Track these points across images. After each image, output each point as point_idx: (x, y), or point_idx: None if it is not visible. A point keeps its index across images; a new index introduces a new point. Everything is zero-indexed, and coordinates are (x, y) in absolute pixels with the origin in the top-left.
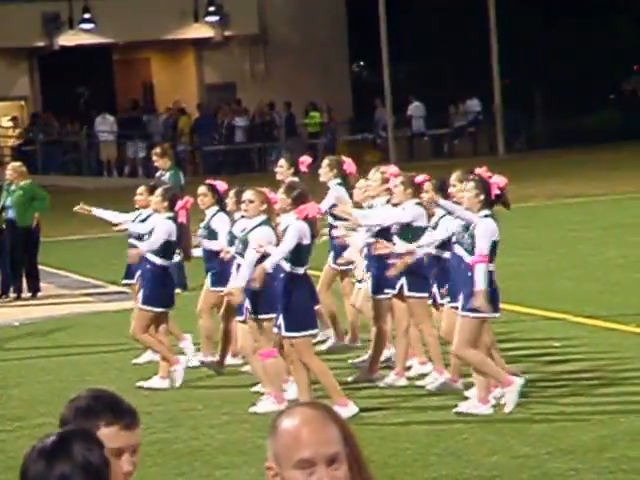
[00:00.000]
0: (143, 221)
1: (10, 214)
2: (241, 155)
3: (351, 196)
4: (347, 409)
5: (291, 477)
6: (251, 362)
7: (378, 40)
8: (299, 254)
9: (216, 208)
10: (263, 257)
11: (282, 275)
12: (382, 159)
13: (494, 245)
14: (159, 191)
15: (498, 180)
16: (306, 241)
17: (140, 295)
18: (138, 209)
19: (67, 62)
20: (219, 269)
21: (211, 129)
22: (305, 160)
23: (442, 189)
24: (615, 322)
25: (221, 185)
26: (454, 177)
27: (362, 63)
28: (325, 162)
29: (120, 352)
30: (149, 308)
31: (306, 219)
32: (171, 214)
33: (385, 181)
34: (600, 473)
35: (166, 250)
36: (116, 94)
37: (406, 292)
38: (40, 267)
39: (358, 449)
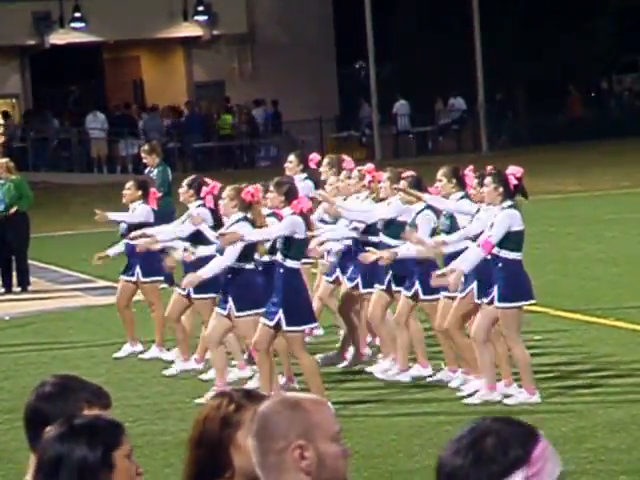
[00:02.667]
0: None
1: (0, 208)
2: (229, 152)
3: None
4: None
5: (328, 449)
6: (213, 352)
7: (364, 39)
8: (294, 248)
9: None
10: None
11: (280, 270)
12: (368, 157)
13: (519, 234)
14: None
15: (514, 170)
16: (300, 235)
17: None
18: (126, 204)
19: (58, 60)
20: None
21: (200, 126)
22: (314, 157)
23: (417, 186)
24: (594, 316)
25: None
26: (440, 173)
27: (363, 63)
28: (325, 160)
29: (109, 346)
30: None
31: (300, 213)
32: (200, 201)
33: (362, 178)
34: (579, 464)
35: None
36: (106, 92)
37: (421, 296)
38: (30, 262)
39: None
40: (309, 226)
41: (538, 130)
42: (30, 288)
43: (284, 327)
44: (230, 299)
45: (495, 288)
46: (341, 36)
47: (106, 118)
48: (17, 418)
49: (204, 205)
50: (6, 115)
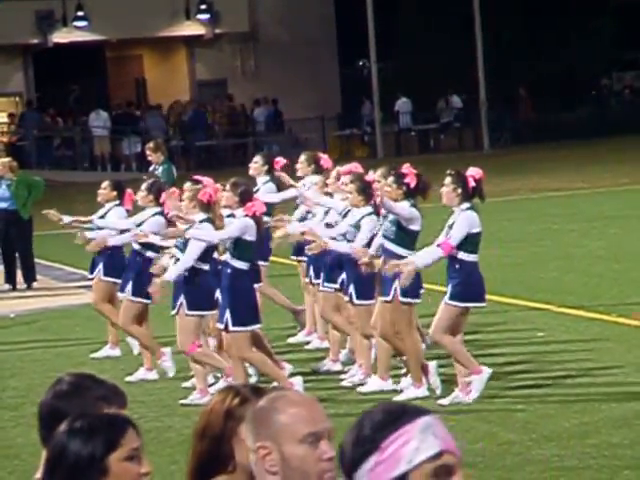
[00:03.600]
0: (102, 217)
1: (2, 206)
2: (232, 150)
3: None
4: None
5: (293, 452)
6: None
7: (366, 38)
8: (243, 249)
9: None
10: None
11: (228, 271)
12: (370, 155)
13: (476, 236)
14: (144, 186)
15: (473, 172)
16: (250, 237)
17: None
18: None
19: (61, 59)
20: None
21: (203, 124)
22: (280, 160)
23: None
24: (597, 312)
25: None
26: (378, 173)
27: (366, 61)
28: (302, 157)
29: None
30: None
31: (253, 216)
32: (159, 209)
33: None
34: (582, 459)
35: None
36: (109, 90)
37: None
38: (35, 260)
39: None
40: (260, 229)
41: (539, 128)
42: (35, 286)
43: (230, 327)
44: (182, 298)
45: (449, 287)
46: (343, 35)
47: (109, 116)
48: (23, 415)
49: (161, 213)
50: (12, 116)
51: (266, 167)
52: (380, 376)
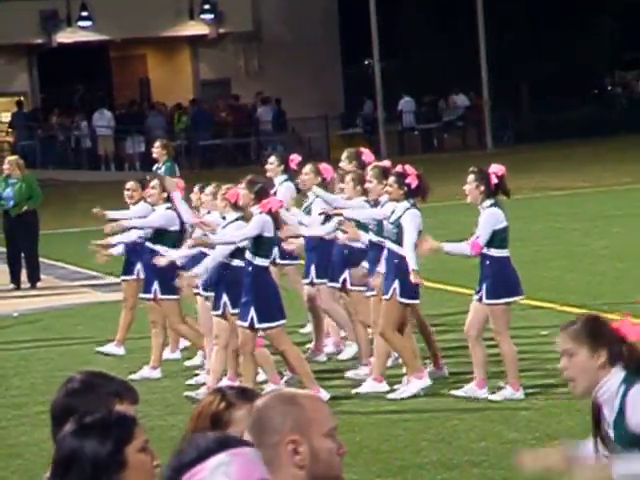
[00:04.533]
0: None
1: (10, 205)
2: (235, 149)
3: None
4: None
5: (322, 445)
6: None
7: (369, 37)
8: (263, 246)
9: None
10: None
11: (249, 269)
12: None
13: (503, 231)
14: (154, 183)
15: (496, 169)
16: (269, 234)
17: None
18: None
19: (65, 59)
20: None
21: (207, 124)
22: (295, 158)
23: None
24: (600, 311)
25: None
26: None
27: (371, 61)
28: (344, 154)
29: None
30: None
31: (269, 212)
32: (169, 204)
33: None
34: None
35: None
36: (113, 90)
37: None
38: (40, 259)
39: None
40: (278, 225)
41: (542, 127)
42: (39, 285)
43: (257, 325)
44: (224, 296)
45: (484, 285)
46: (346, 34)
47: (113, 116)
48: (26, 414)
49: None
50: (20, 103)
51: (282, 167)
52: (374, 378)
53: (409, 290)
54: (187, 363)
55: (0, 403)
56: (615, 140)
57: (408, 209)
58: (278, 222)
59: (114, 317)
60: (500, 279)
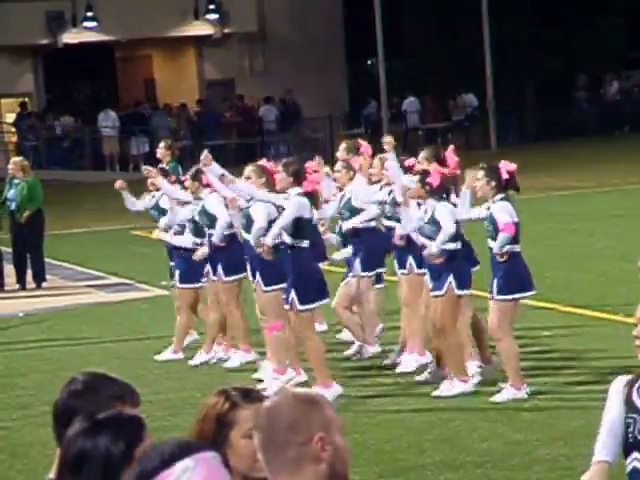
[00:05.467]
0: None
1: (13, 206)
2: (241, 149)
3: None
4: (329, 391)
5: (341, 442)
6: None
7: (374, 37)
8: (301, 228)
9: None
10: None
11: (288, 251)
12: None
13: (516, 226)
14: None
15: (506, 165)
16: (308, 214)
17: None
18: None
19: (70, 59)
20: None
21: (214, 124)
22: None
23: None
24: (603, 312)
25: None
26: (421, 156)
27: (374, 61)
28: (342, 145)
29: (122, 342)
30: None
31: (307, 194)
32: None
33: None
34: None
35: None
36: (118, 91)
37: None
38: (45, 259)
39: None
40: (316, 205)
41: (546, 127)
42: (44, 285)
43: (297, 306)
44: (258, 275)
45: (495, 281)
46: (351, 34)
47: (117, 116)
48: (31, 414)
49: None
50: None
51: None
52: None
53: (463, 282)
54: (190, 362)
55: (5, 403)
56: (620, 139)
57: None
58: (317, 201)
59: (119, 317)
60: (512, 275)
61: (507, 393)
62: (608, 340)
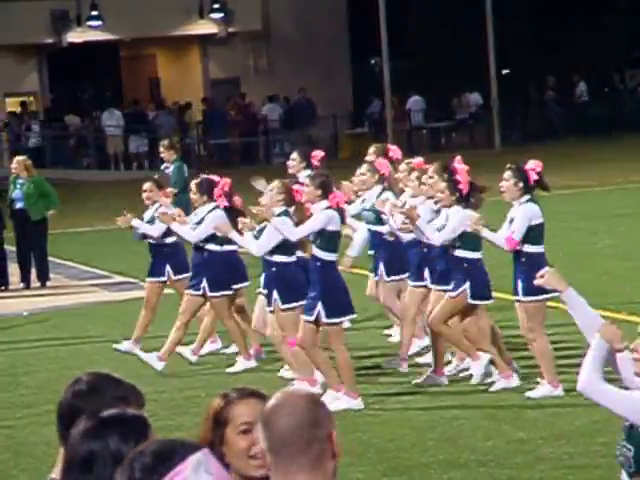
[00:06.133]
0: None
1: (18, 205)
2: (245, 148)
3: None
4: (353, 402)
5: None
6: (281, 350)
7: (378, 36)
8: (329, 241)
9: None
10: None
11: (317, 264)
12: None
13: (539, 227)
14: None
15: (533, 165)
16: (335, 227)
17: None
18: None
19: (75, 58)
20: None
21: (219, 123)
22: (317, 154)
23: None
24: (607, 310)
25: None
26: (431, 170)
27: (378, 59)
28: (371, 150)
29: (126, 341)
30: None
31: (336, 207)
32: (214, 204)
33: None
34: (592, 457)
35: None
36: (123, 90)
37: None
38: (49, 258)
39: None
40: (344, 219)
41: (550, 126)
42: (49, 284)
43: (323, 319)
44: (275, 293)
45: (519, 282)
46: (355, 32)
47: (122, 115)
48: (36, 413)
49: (218, 207)
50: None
51: (304, 163)
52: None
53: (479, 291)
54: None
55: (9, 402)
56: (625, 138)
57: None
58: (344, 216)
59: (123, 316)
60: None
61: (543, 390)
62: None
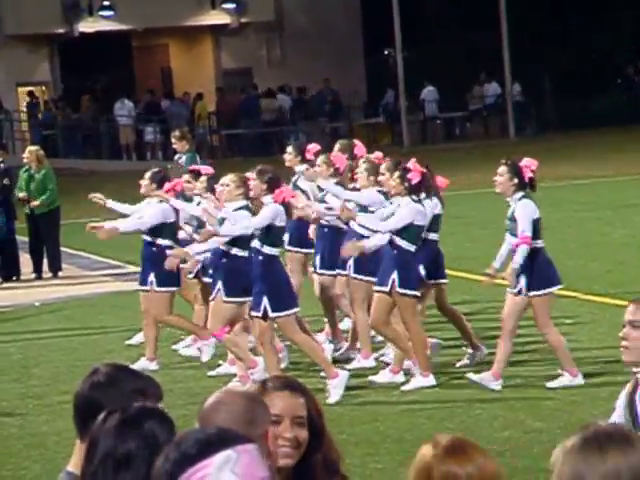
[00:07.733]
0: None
1: (21, 195)
2: (260, 139)
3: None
4: (338, 379)
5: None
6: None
7: (392, 26)
8: (273, 235)
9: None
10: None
11: (260, 258)
12: (396, 143)
13: (538, 222)
14: (147, 175)
15: (528, 163)
16: (281, 223)
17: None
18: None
19: (87, 48)
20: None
21: (253, 111)
22: (312, 147)
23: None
24: (623, 299)
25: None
26: (384, 166)
27: (391, 51)
28: (337, 146)
29: (139, 331)
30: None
31: (282, 202)
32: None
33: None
34: None
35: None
36: (135, 80)
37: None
38: (61, 248)
39: None
40: (290, 214)
41: (564, 116)
42: (60, 274)
43: (270, 314)
44: (220, 284)
45: (522, 278)
46: (369, 23)
47: (134, 105)
48: (48, 404)
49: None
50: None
51: (300, 157)
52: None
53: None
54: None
55: (21, 393)
56: (638, 129)
57: (409, 204)
58: (290, 211)
59: (135, 306)
60: (538, 270)
61: (564, 380)
62: None
